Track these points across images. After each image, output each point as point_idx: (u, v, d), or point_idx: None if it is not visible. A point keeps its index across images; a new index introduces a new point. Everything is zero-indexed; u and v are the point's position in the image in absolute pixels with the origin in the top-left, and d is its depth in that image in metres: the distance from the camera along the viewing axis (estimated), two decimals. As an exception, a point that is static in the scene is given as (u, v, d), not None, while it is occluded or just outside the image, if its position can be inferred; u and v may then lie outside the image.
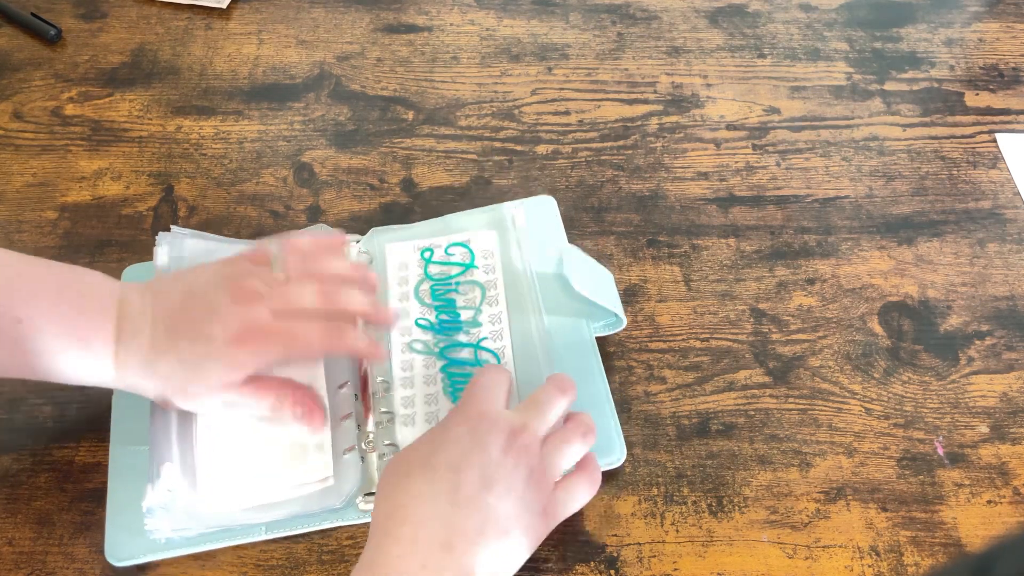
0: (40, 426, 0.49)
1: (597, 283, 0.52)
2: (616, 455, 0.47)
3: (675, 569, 0.45)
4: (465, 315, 0.52)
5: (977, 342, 0.54)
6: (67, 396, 0.50)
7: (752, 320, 0.54)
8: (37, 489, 0.47)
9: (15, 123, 0.62)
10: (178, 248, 0.52)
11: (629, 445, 0.49)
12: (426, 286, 0.53)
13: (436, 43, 0.68)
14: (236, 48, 0.67)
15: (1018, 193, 0.60)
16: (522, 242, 0.54)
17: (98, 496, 0.46)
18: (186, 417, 0.47)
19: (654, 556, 0.45)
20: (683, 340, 0.53)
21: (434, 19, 0.69)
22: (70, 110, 0.63)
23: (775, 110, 0.64)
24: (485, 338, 0.51)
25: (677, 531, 0.46)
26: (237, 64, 0.66)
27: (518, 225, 0.55)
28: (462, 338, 0.51)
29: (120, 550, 0.44)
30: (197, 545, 0.44)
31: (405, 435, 0.48)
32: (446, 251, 0.54)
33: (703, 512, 0.47)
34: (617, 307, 0.51)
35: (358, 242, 0.55)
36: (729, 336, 0.53)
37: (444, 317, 0.52)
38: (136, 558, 0.44)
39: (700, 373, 0.52)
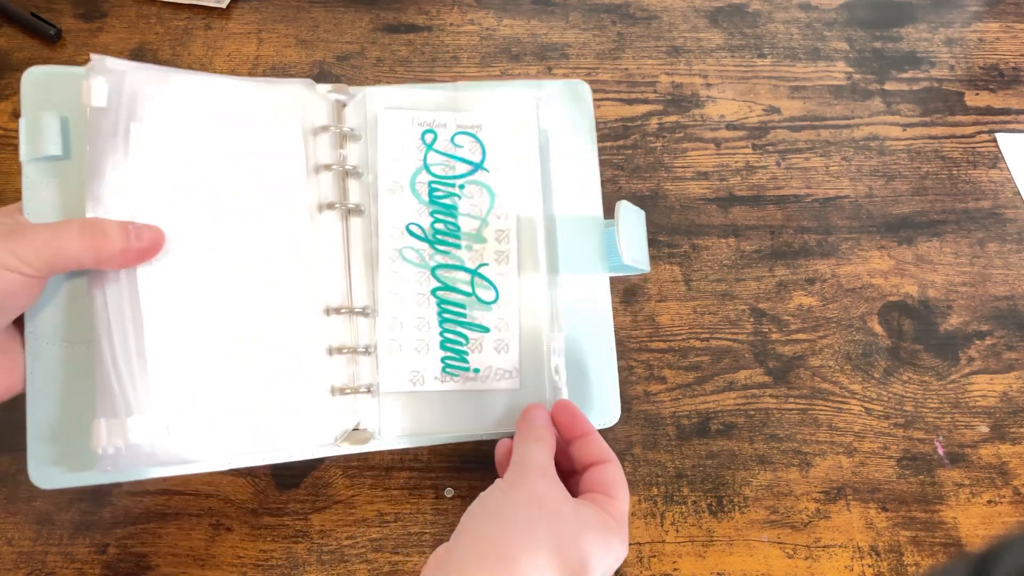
0: (40, 426, 0.49)
1: (640, 241, 0.45)
2: (611, 415, 0.45)
3: (675, 569, 0.45)
4: (467, 226, 0.43)
5: (977, 342, 0.54)
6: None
7: (752, 320, 0.54)
8: (37, 489, 0.47)
9: (15, 123, 0.62)
10: (117, 82, 0.39)
11: (629, 444, 0.49)
12: (424, 179, 0.44)
13: (436, 43, 0.68)
14: (236, 48, 0.67)
15: (1018, 193, 0.60)
16: (548, 139, 0.45)
17: (98, 496, 0.46)
18: (144, 336, 0.38)
19: (654, 556, 0.45)
20: (683, 340, 0.53)
21: (434, 19, 0.69)
22: (70, 110, 0.63)
23: (775, 110, 0.64)
24: (486, 264, 0.43)
25: (677, 531, 0.46)
26: (237, 64, 0.66)
27: (543, 115, 0.46)
28: (462, 255, 0.43)
29: (48, 476, 0.38)
30: (145, 475, 0.39)
31: (389, 364, 0.42)
32: (452, 140, 0.45)
33: (703, 512, 0.47)
34: (645, 261, 0.45)
35: (345, 106, 0.45)
36: (729, 336, 0.53)
37: (440, 227, 0.43)
38: (67, 482, 0.38)
39: (700, 373, 0.52)
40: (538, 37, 0.68)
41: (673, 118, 0.64)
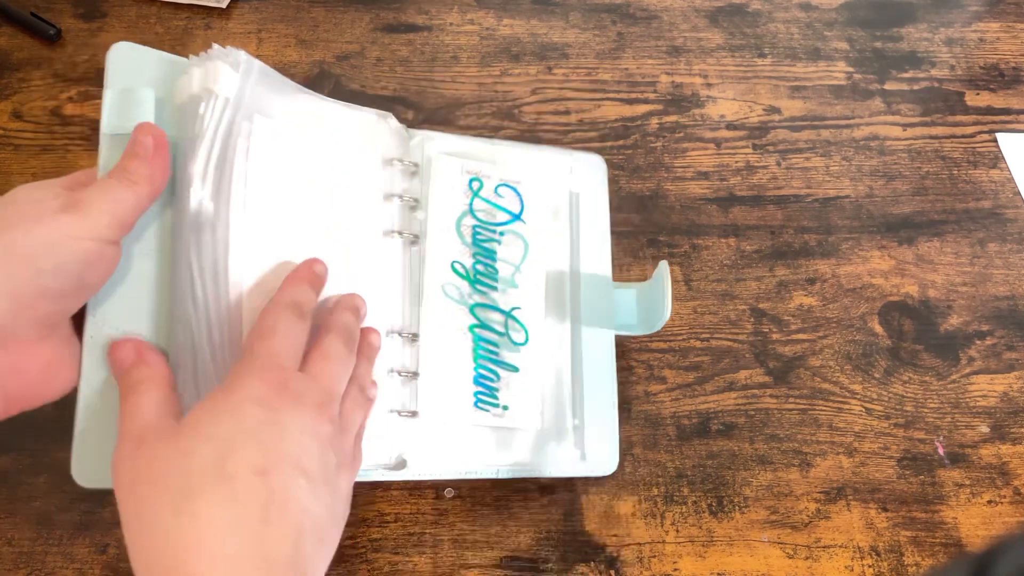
0: (40, 426, 0.49)
1: (662, 309, 0.46)
2: (610, 464, 0.47)
3: (675, 569, 0.45)
4: (504, 271, 0.46)
5: (977, 342, 0.54)
6: (67, 396, 0.50)
7: (752, 320, 0.54)
8: (37, 489, 0.47)
9: (15, 123, 0.62)
10: (244, 76, 0.40)
11: (629, 444, 0.49)
12: (468, 222, 0.47)
13: (436, 43, 0.68)
14: (236, 47, 0.67)
15: (1018, 193, 0.60)
16: (578, 201, 0.49)
17: (98, 496, 0.46)
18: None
19: (654, 556, 0.45)
20: (683, 340, 0.53)
21: (434, 19, 0.69)
22: (70, 110, 0.63)
23: (775, 110, 0.64)
24: (518, 307, 0.46)
25: (677, 531, 0.46)
26: (237, 64, 0.66)
27: (573, 183, 0.50)
28: (497, 298, 0.46)
29: (95, 476, 0.37)
30: None
31: (427, 394, 0.43)
32: (495, 191, 0.48)
33: (703, 512, 0.47)
34: (659, 324, 0.47)
35: (411, 140, 0.47)
36: (729, 336, 0.53)
37: (480, 268, 0.46)
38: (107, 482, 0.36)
39: (700, 373, 0.52)
40: (538, 37, 0.68)
41: (673, 118, 0.64)
